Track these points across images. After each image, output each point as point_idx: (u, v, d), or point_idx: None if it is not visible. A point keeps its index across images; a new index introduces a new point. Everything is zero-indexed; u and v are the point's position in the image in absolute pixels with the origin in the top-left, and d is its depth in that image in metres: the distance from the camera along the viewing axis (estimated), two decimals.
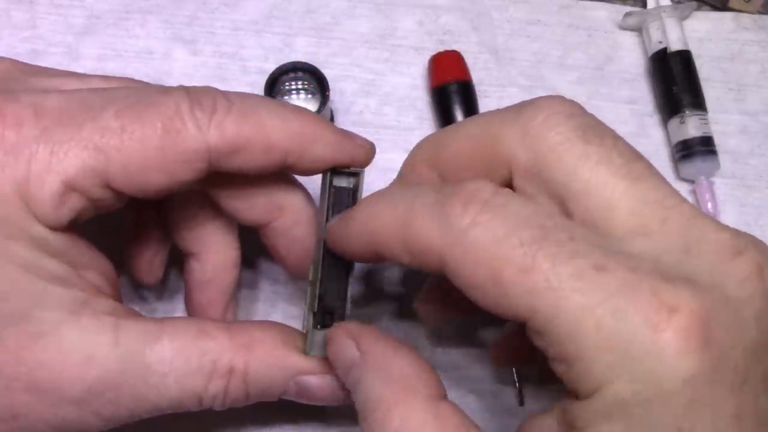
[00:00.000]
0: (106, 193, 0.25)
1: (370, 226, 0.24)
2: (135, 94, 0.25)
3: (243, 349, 0.26)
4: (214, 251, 0.31)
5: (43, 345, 0.24)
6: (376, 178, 0.38)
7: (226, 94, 0.26)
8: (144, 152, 0.24)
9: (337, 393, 0.28)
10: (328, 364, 0.27)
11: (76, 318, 0.25)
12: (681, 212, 0.22)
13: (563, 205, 0.23)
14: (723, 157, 0.39)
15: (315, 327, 0.28)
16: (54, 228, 0.25)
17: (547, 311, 0.20)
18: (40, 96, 0.25)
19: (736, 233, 0.22)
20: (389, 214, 0.23)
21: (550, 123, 0.23)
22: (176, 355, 0.25)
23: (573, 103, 0.24)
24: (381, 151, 0.39)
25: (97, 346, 0.24)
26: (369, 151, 0.28)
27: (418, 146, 0.29)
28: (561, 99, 0.24)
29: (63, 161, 0.24)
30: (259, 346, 0.27)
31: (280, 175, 0.29)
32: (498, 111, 0.26)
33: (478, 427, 0.23)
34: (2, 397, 0.24)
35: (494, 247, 0.21)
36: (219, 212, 0.30)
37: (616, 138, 0.24)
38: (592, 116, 0.24)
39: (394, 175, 0.38)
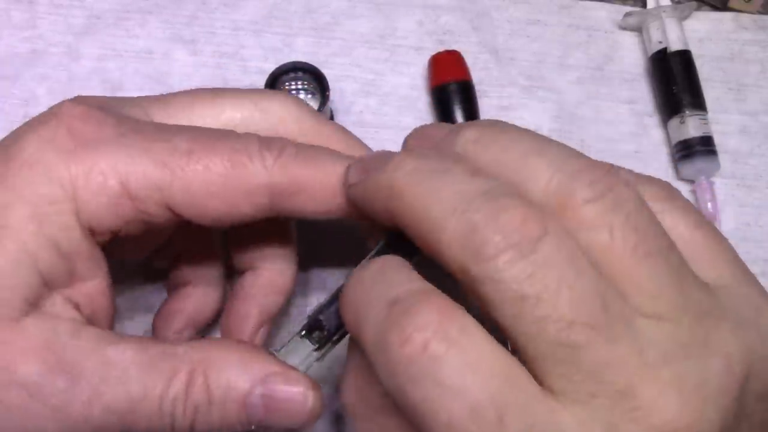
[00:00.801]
0: (161, 211, 0.25)
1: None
2: (209, 130, 0.26)
3: (202, 352, 0.25)
4: (270, 266, 0.31)
5: (5, 325, 0.24)
6: None
7: (296, 143, 0.27)
8: (208, 178, 0.25)
9: (307, 402, 0.25)
10: (304, 378, 0.26)
11: (46, 314, 0.24)
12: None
13: None
14: (723, 157, 0.39)
15: (300, 333, 0.26)
16: (93, 231, 0.25)
17: None
18: (127, 117, 0.26)
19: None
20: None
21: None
22: (137, 353, 0.25)
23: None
24: None
25: (56, 337, 0.24)
26: None
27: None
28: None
29: (128, 166, 0.24)
30: (219, 350, 0.26)
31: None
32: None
33: None
34: None
35: None
36: (280, 228, 0.31)
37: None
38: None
39: None
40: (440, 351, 0.19)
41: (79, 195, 0.24)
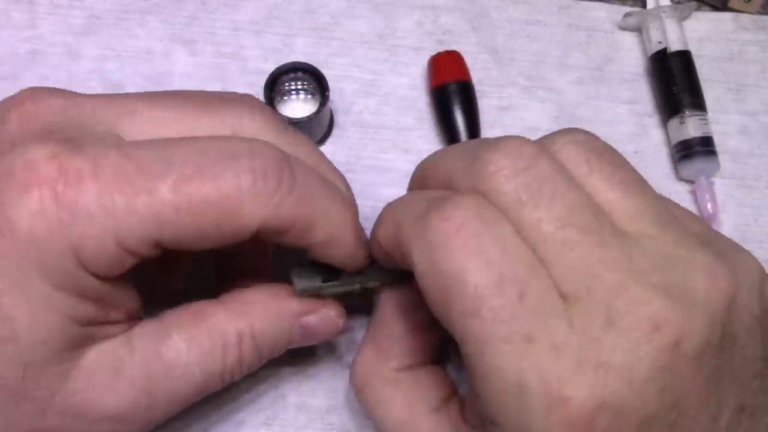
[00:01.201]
0: (156, 251, 0.25)
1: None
2: (196, 160, 0.24)
3: (241, 316, 0.28)
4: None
5: (73, 377, 0.25)
6: (377, 179, 0.38)
7: (292, 168, 0.26)
8: (198, 225, 0.24)
9: (337, 324, 0.30)
10: (319, 301, 0.29)
11: (96, 346, 0.26)
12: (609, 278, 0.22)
13: None
14: (723, 158, 0.39)
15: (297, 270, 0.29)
16: (103, 278, 0.25)
17: (476, 345, 0.22)
18: (101, 149, 0.24)
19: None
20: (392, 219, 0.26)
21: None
22: (189, 344, 0.27)
23: (584, 134, 0.25)
24: (381, 151, 0.39)
25: (118, 360, 0.26)
26: (361, 263, 0.29)
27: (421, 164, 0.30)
28: (577, 131, 0.25)
29: (119, 230, 0.24)
30: (255, 307, 0.28)
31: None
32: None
33: None
34: (38, 421, 0.25)
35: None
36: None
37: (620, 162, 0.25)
38: (600, 146, 0.25)
39: (395, 175, 0.39)
40: (477, 228, 0.22)
41: (83, 261, 0.24)
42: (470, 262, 0.22)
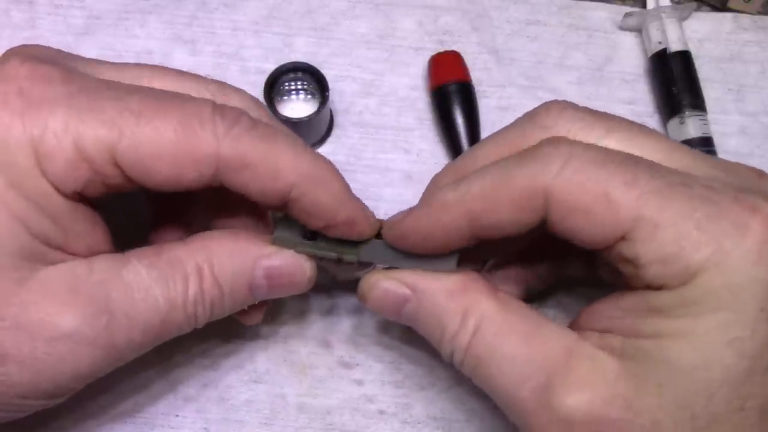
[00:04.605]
0: (113, 171, 0.25)
1: (463, 202, 0.25)
2: (163, 92, 0.26)
3: (201, 250, 0.27)
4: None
5: (27, 287, 0.25)
6: (377, 179, 0.38)
7: (253, 118, 0.26)
8: (157, 140, 0.25)
9: (304, 271, 0.28)
10: (292, 255, 0.28)
11: (55, 263, 0.25)
12: (700, 153, 0.26)
13: None
14: (723, 157, 0.39)
15: (280, 219, 0.28)
16: (64, 189, 0.25)
17: (653, 217, 0.23)
18: (77, 69, 0.26)
19: (746, 165, 0.27)
20: (482, 182, 0.25)
21: (567, 115, 0.26)
22: (149, 269, 0.26)
23: (572, 102, 0.27)
24: (381, 151, 0.39)
25: (76, 279, 0.25)
26: (369, 224, 0.28)
27: (439, 175, 0.29)
28: (563, 100, 0.27)
29: (79, 126, 0.24)
30: (214, 242, 0.28)
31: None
32: (512, 123, 0.28)
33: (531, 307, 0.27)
34: None
35: (597, 170, 0.23)
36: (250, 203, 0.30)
37: (622, 118, 0.27)
38: (592, 115, 0.26)
39: (395, 175, 0.39)
40: (584, 144, 0.25)
41: (40, 159, 0.24)
42: (604, 157, 0.24)
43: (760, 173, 0.26)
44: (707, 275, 0.22)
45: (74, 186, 0.25)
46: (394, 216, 0.28)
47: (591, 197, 0.23)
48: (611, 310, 0.25)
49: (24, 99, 0.24)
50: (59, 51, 0.28)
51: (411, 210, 0.27)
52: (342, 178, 0.27)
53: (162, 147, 0.25)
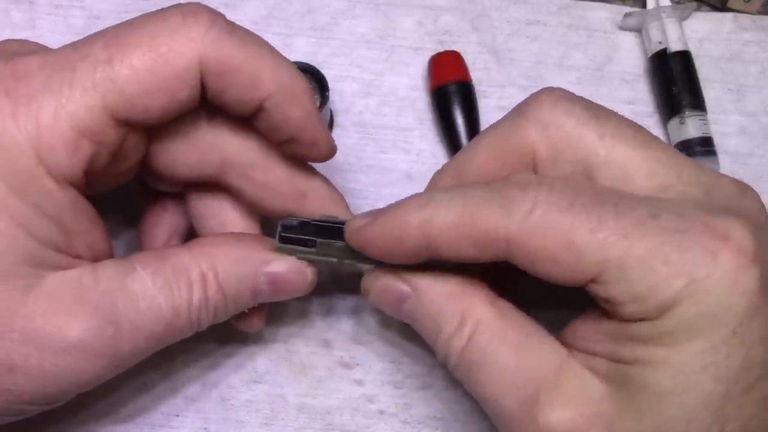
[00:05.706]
0: (113, 130, 0.25)
1: (424, 229, 0.25)
2: (123, 24, 0.26)
3: (205, 256, 0.28)
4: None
5: (34, 297, 0.25)
6: (377, 179, 0.38)
7: (229, 21, 0.26)
8: (137, 76, 0.24)
9: (306, 276, 0.29)
10: (294, 261, 0.29)
11: (60, 271, 0.25)
12: (689, 166, 0.25)
13: (588, 179, 0.26)
14: (723, 158, 0.39)
15: (283, 227, 0.29)
16: (68, 180, 0.25)
17: (620, 259, 0.23)
18: (42, 50, 0.26)
19: (731, 178, 0.26)
20: (446, 214, 0.24)
21: (561, 109, 0.26)
22: (154, 277, 0.26)
23: (565, 90, 0.27)
24: (381, 151, 0.39)
25: (82, 288, 0.25)
26: (330, 149, 0.29)
27: (439, 173, 0.30)
28: (556, 88, 0.27)
29: (67, 107, 0.24)
30: (218, 248, 0.28)
31: (300, 164, 0.30)
32: (505, 117, 0.28)
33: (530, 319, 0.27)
34: None
35: (562, 216, 0.23)
36: (242, 206, 0.31)
37: (617, 114, 0.27)
38: (585, 99, 0.27)
39: (394, 175, 0.39)
40: (551, 181, 0.25)
41: (41, 155, 0.24)
42: (570, 201, 0.24)
43: (743, 188, 0.26)
44: (682, 307, 0.22)
45: (79, 167, 0.25)
46: (359, 216, 0.28)
47: (555, 246, 0.23)
48: (593, 333, 0.25)
49: (12, 100, 0.24)
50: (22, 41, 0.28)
51: (375, 217, 0.27)
52: (313, 98, 0.28)
53: (145, 80, 0.25)
